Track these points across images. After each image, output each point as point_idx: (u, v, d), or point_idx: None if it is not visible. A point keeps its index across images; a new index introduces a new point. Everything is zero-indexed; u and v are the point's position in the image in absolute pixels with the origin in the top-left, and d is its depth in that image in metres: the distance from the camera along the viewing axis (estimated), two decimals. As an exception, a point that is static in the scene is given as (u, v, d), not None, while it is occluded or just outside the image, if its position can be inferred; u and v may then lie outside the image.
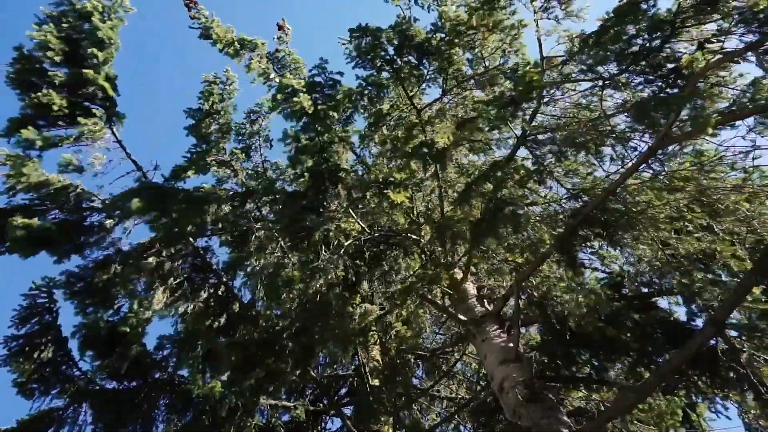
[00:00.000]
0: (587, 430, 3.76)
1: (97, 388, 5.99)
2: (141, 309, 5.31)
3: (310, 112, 4.83)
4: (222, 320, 5.27)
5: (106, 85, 6.02)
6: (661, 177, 5.31)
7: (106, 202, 5.52)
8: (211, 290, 5.88)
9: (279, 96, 5.12)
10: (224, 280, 6.07)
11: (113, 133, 6.89)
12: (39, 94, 5.52)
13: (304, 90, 5.07)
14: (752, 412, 4.23)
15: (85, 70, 5.78)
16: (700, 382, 4.57)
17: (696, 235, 4.75)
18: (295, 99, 4.79)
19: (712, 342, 4.53)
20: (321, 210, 5.07)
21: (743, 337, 3.99)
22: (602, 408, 5.26)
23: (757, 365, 3.87)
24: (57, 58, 5.64)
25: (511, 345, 4.78)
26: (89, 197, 5.59)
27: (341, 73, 5.82)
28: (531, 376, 4.29)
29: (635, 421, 5.06)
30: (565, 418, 3.96)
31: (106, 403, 5.99)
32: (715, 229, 5.00)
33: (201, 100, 8.09)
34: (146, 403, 6.17)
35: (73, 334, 5.76)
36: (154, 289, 5.24)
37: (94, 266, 5.71)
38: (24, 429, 5.68)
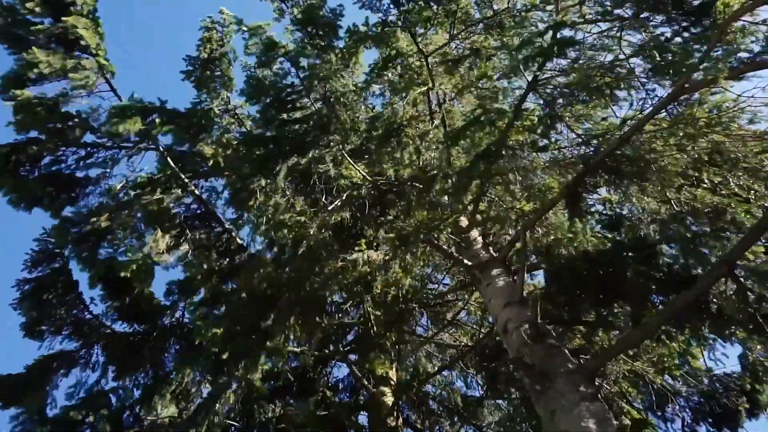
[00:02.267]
0: (590, 367, 3.80)
1: (108, 331, 6.13)
2: (142, 248, 5.33)
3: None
4: (225, 263, 5.28)
5: (91, 34, 5.87)
6: (679, 126, 5.12)
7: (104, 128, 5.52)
8: (213, 236, 5.89)
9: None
10: (227, 226, 6.06)
11: (108, 82, 6.80)
12: (28, 53, 5.41)
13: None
14: (758, 347, 4.26)
15: (68, 19, 5.63)
16: (703, 327, 4.59)
17: (711, 181, 4.62)
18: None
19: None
20: (325, 138, 4.98)
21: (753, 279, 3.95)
22: (605, 347, 5.34)
23: (766, 305, 3.84)
24: (37, 9, 5.48)
25: (516, 288, 4.79)
26: (90, 127, 5.53)
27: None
28: (535, 317, 4.31)
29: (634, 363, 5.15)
30: (569, 355, 4.00)
31: (117, 345, 6.14)
32: (731, 183, 4.86)
33: (200, 47, 7.84)
34: (156, 346, 6.31)
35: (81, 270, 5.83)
36: (154, 232, 5.24)
37: (90, 212, 5.75)
38: (37, 369, 5.83)
